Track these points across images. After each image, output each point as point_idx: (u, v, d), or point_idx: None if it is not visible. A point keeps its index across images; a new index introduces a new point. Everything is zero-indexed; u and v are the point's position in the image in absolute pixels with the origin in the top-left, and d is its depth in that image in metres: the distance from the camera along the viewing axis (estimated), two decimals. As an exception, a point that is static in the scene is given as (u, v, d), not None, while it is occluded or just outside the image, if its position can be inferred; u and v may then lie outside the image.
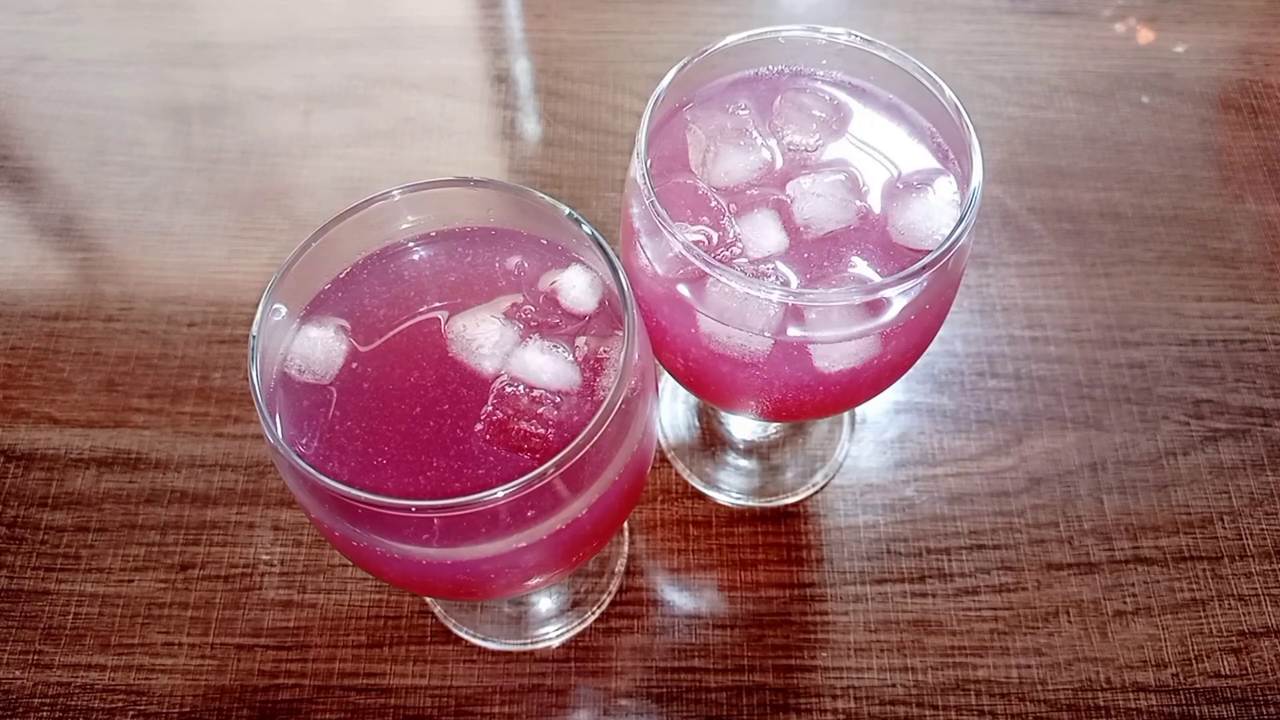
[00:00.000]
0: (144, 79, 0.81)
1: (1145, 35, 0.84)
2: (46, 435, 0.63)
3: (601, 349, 0.41)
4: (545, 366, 0.41)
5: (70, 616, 0.58)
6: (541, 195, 0.42)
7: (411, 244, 0.45)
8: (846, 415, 0.66)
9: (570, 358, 0.41)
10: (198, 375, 0.66)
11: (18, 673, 0.56)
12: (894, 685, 0.56)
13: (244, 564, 0.59)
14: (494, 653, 0.57)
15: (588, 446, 0.36)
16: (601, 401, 0.37)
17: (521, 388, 0.40)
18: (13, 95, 0.80)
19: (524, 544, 0.38)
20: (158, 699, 0.55)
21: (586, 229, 0.41)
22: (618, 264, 0.40)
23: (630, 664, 0.57)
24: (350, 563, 0.59)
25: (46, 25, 0.84)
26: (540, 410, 0.40)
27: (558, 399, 0.40)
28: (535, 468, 0.35)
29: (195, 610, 0.58)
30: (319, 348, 0.42)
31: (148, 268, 0.71)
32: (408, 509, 0.35)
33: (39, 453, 0.63)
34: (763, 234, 0.45)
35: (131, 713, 0.55)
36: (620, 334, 0.41)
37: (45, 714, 0.55)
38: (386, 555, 0.39)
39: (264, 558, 0.59)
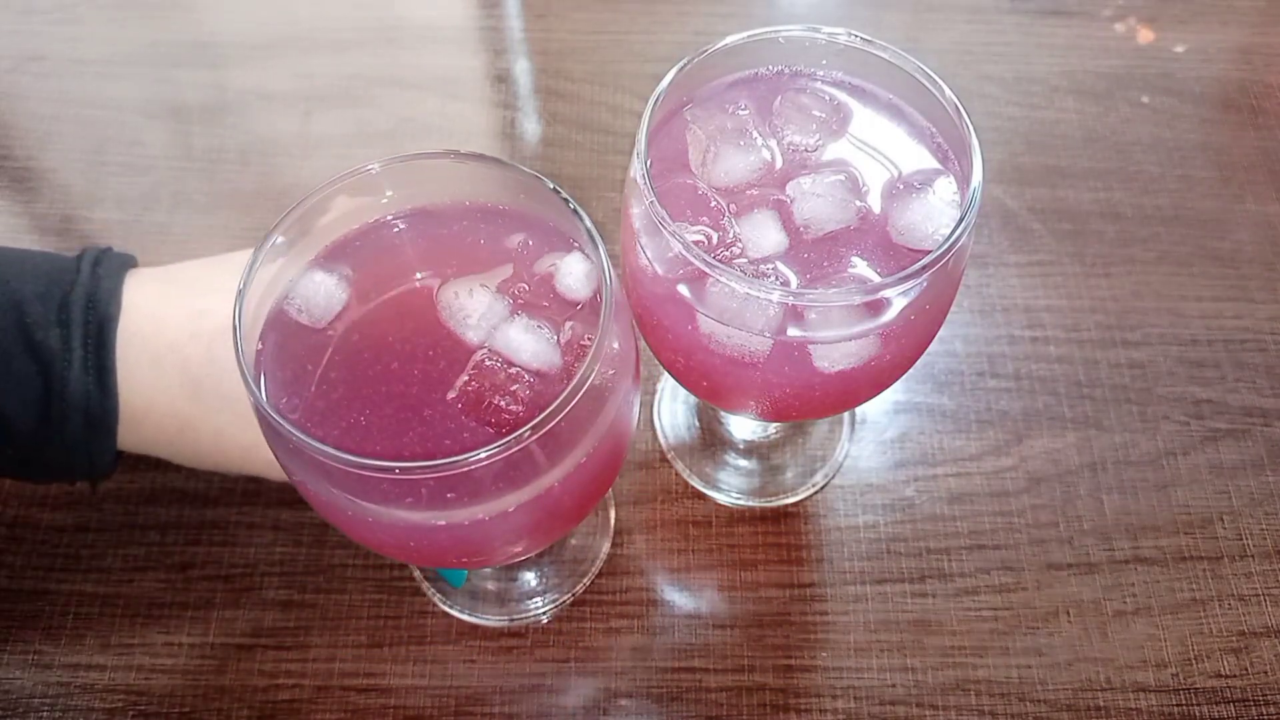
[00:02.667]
0: (144, 79, 0.81)
1: (1145, 35, 0.84)
2: (46, 435, 0.63)
3: (586, 336, 0.42)
4: (526, 345, 0.41)
5: (70, 616, 0.58)
6: (518, 165, 0.43)
7: (415, 213, 0.45)
8: (846, 415, 0.66)
9: (554, 340, 0.42)
10: (198, 375, 0.66)
11: (17, 673, 0.56)
12: (894, 685, 0.56)
13: (244, 564, 0.59)
14: (494, 652, 0.57)
15: (548, 425, 0.36)
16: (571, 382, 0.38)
17: (500, 362, 0.41)
18: (13, 95, 0.80)
19: (477, 517, 0.39)
20: (158, 699, 0.55)
21: (561, 195, 0.41)
22: (594, 230, 0.41)
23: (630, 664, 0.57)
24: (351, 547, 0.59)
25: (46, 25, 0.84)
26: (514, 387, 0.40)
27: (533, 379, 0.40)
28: (494, 442, 0.36)
29: (195, 610, 0.58)
30: (321, 292, 0.43)
31: (148, 268, 0.71)
32: (387, 469, 0.35)
33: (39, 453, 0.63)
34: (763, 234, 0.45)
35: (131, 713, 0.55)
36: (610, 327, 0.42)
37: (45, 714, 0.55)
38: (358, 517, 0.39)
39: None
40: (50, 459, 0.51)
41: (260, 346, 0.42)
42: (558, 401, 0.37)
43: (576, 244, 0.44)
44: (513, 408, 0.40)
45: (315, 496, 0.41)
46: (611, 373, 0.40)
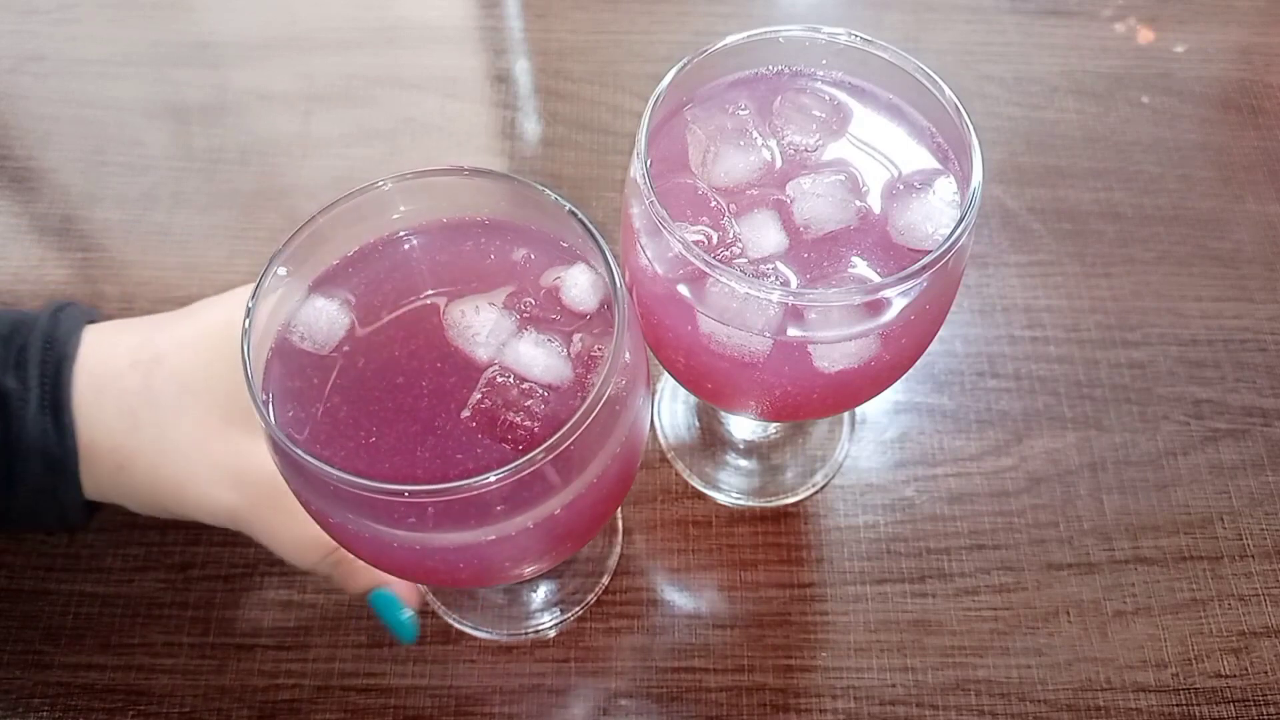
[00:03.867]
0: (144, 79, 0.81)
1: (1145, 35, 0.84)
2: (46, 435, 0.63)
3: (596, 347, 0.42)
4: (538, 359, 0.41)
5: (70, 616, 0.58)
6: (533, 183, 0.42)
7: (419, 230, 0.45)
8: (846, 415, 0.66)
9: (564, 353, 0.41)
10: (198, 375, 0.66)
11: (18, 673, 0.56)
12: (894, 685, 0.56)
13: (244, 564, 0.59)
14: (494, 653, 0.57)
15: (567, 442, 0.36)
16: (587, 396, 0.37)
17: (512, 378, 0.40)
18: (13, 95, 0.80)
19: (494, 536, 0.38)
20: (158, 699, 0.55)
21: (579, 216, 0.41)
22: (604, 244, 0.40)
23: (630, 664, 0.57)
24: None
25: (46, 25, 0.84)
26: (528, 403, 0.40)
27: (546, 393, 0.40)
28: (514, 459, 0.35)
29: (195, 610, 0.58)
30: (323, 318, 0.42)
31: (148, 268, 0.71)
32: (399, 492, 0.35)
33: (39, 453, 0.63)
34: (763, 234, 0.45)
35: (131, 713, 0.55)
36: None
37: (45, 714, 0.55)
38: (367, 536, 0.39)
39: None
40: (18, 505, 0.49)
41: (265, 372, 0.41)
42: (578, 415, 0.36)
43: (584, 255, 0.44)
44: (528, 423, 0.39)
45: (335, 525, 0.40)
46: (625, 382, 0.40)
